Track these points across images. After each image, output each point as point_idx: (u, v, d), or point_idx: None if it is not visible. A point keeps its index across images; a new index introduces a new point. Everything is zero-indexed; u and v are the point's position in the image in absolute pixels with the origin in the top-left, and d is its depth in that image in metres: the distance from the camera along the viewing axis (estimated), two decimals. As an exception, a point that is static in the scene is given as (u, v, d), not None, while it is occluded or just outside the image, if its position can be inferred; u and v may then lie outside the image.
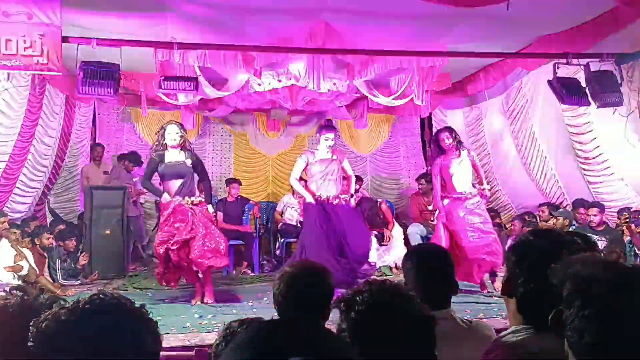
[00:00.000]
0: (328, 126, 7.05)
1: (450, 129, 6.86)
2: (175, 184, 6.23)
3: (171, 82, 6.71)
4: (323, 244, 6.45)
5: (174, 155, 6.25)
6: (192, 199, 6.24)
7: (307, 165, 6.85)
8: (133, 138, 10.55)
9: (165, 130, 6.29)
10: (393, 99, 8.46)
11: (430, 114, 10.58)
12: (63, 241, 7.67)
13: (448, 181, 6.71)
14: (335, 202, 6.68)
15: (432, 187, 6.96)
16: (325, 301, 2.38)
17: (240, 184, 9.47)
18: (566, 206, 9.00)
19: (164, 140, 6.26)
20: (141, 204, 9.58)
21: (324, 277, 2.49)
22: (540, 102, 8.76)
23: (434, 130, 11.20)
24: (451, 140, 6.65)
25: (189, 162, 6.27)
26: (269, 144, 11.33)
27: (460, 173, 6.66)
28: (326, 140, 6.82)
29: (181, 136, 6.27)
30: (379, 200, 9.29)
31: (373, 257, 8.38)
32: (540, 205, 9.06)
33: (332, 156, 6.86)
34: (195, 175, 6.52)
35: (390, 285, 1.69)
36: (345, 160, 7.08)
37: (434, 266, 2.52)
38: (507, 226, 9.15)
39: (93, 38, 6.02)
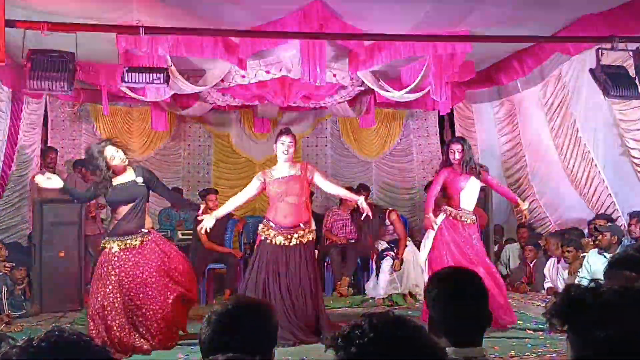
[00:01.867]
0: (283, 131, 6.81)
1: (462, 143, 6.99)
2: (124, 209, 6.15)
3: (137, 74, 6.74)
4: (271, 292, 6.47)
5: (122, 177, 6.23)
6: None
7: (263, 186, 6.69)
8: (92, 140, 10.58)
9: (104, 155, 6.14)
10: (405, 93, 8.52)
11: (452, 109, 10.62)
12: (10, 270, 7.78)
13: (455, 195, 6.96)
14: (290, 244, 6.56)
15: (428, 195, 7.09)
16: (266, 346, 2.30)
17: (217, 193, 9.50)
18: (616, 219, 9.03)
19: (107, 165, 6.14)
20: (102, 220, 9.63)
21: (265, 314, 2.36)
22: (584, 94, 8.79)
23: (457, 129, 11.28)
24: (459, 156, 6.87)
25: (140, 180, 6.24)
26: (256, 148, 11.39)
27: (470, 191, 6.97)
28: (282, 144, 6.62)
29: (124, 153, 6.23)
30: (389, 209, 9.28)
31: (382, 283, 8.46)
32: (597, 217, 9.02)
33: (293, 171, 6.67)
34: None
35: (392, 316, 1.77)
36: (317, 175, 6.80)
37: (465, 293, 2.51)
38: (544, 245, 9.22)
39: (43, 22, 6.06)
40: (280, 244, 6.52)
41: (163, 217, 10.18)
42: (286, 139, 6.63)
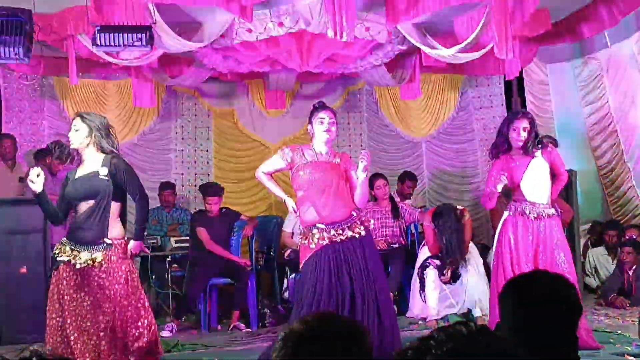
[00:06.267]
0: (321, 106, 6.49)
1: (530, 119, 6.86)
2: (80, 208, 5.83)
3: (112, 35, 6.76)
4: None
5: (86, 166, 5.89)
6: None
7: (288, 167, 6.43)
8: (59, 124, 10.61)
9: (110, 131, 5.94)
10: (459, 51, 8.46)
11: (521, 71, 10.60)
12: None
13: (516, 189, 6.87)
14: (345, 237, 6.22)
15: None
16: None
17: (221, 191, 9.38)
18: None
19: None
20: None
21: (356, 336, 2.33)
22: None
23: (528, 98, 11.21)
24: (525, 136, 6.74)
25: (104, 171, 5.79)
26: (269, 128, 11.39)
27: (533, 177, 6.81)
28: (321, 123, 6.35)
29: (86, 134, 5.80)
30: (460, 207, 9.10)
31: (432, 301, 8.33)
32: None
33: (331, 158, 6.43)
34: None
35: (473, 326, 1.80)
36: (353, 172, 6.52)
37: (549, 307, 2.52)
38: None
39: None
40: (334, 241, 6.16)
41: (151, 220, 10.14)
42: (326, 116, 6.35)
